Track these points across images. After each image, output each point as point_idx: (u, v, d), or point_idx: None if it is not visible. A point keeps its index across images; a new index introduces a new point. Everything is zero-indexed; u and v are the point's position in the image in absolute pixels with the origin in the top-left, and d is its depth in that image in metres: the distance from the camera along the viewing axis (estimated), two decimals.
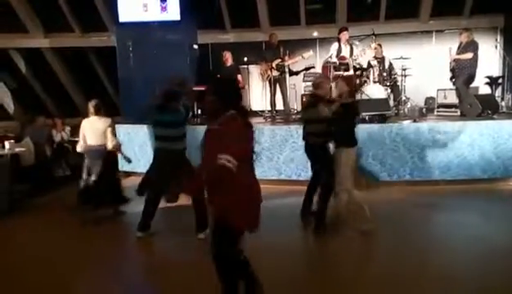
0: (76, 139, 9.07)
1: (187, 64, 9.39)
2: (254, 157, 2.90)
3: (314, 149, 5.27)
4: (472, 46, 7.58)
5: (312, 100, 5.22)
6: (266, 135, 7.28)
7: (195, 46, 9.85)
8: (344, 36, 8.07)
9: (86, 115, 6.09)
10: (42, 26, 11.32)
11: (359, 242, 4.90)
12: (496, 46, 9.93)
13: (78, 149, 6.04)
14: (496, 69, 10.05)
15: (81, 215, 5.79)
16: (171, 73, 5.56)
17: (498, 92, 9.46)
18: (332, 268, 4.27)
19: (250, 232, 2.92)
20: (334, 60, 8.24)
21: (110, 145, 5.87)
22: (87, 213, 5.78)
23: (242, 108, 2.94)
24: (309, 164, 5.61)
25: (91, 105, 5.91)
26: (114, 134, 5.99)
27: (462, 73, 7.64)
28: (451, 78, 7.99)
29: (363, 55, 8.33)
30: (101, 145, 5.83)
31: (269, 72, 8.62)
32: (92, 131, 5.84)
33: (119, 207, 6.20)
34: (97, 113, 5.88)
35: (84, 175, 5.94)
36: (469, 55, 7.52)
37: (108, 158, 5.93)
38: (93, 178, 5.84)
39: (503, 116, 7.84)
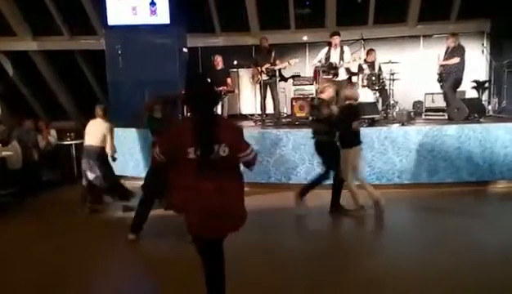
0: (64, 143, 9.07)
1: (177, 67, 9.37)
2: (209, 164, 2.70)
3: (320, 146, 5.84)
4: (459, 51, 7.67)
5: (317, 102, 5.92)
6: (255, 138, 7.29)
7: (185, 50, 9.84)
8: (335, 40, 8.11)
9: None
10: (30, 29, 11.23)
11: (347, 246, 4.94)
12: (483, 51, 10.07)
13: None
14: (482, 73, 10.18)
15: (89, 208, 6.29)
16: (164, 93, 5.73)
17: (485, 96, 9.59)
18: (317, 269, 4.26)
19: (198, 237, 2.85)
20: (321, 63, 8.27)
21: (108, 150, 6.20)
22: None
23: (203, 113, 2.77)
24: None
25: (99, 108, 6.25)
26: (113, 141, 6.28)
27: (449, 77, 7.73)
28: (439, 81, 8.08)
29: (355, 60, 8.38)
30: (94, 146, 6.12)
31: (259, 76, 8.65)
32: (92, 131, 6.19)
33: (126, 203, 6.35)
34: (103, 116, 6.24)
35: (89, 174, 6.20)
36: (456, 60, 7.61)
37: (105, 158, 6.26)
38: (93, 176, 6.16)
39: (490, 120, 7.96)
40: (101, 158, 6.17)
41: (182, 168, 2.71)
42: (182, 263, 4.18)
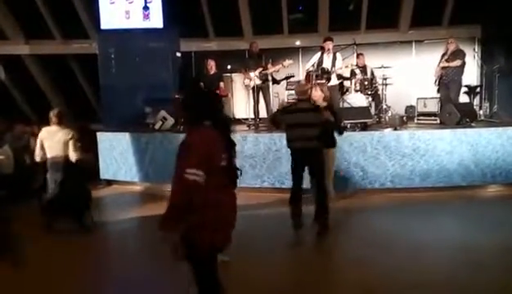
0: None
1: (170, 71, 9.36)
2: (237, 171, 2.70)
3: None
4: (461, 54, 7.76)
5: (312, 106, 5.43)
6: (249, 142, 7.30)
7: (178, 54, 9.84)
8: (327, 45, 8.13)
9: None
10: (22, 33, 11.19)
11: (336, 250, 4.94)
12: (474, 56, 10.16)
13: (37, 159, 5.78)
14: (474, 79, 10.26)
15: (45, 226, 5.62)
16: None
17: (476, 101, 9.65)
18: (307, 275, 4.26)
19: (218, 251, 2.72)
20: (312, 68, 8.29)
21: (73, 158, 5.65)
22: (51, 224, 5.63)
23: (220, 118, 2.72)
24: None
25: (52, 114, 5.64)
26: (77, 146, 5.72)
27: (455, 81, 7.79)
28: (436, 84, 8.13)
29: (347, 66, 8.42)
30: (60, 157, 5.60)
31: (252, 80, 8.65)
32: (52, 141, 5.60)
33: (84, 220, 5.73)
34: (59, 122, 5.64)
35: (51, 188, 5.70)
36: (458, 63, 7.69)
37: (70, 169, 5.66)
38: (51, 190, 5.64)
39: (481, 124, 7.99)
40: (64, 169, 5.64)
41: (215, 178, 2.54)
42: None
